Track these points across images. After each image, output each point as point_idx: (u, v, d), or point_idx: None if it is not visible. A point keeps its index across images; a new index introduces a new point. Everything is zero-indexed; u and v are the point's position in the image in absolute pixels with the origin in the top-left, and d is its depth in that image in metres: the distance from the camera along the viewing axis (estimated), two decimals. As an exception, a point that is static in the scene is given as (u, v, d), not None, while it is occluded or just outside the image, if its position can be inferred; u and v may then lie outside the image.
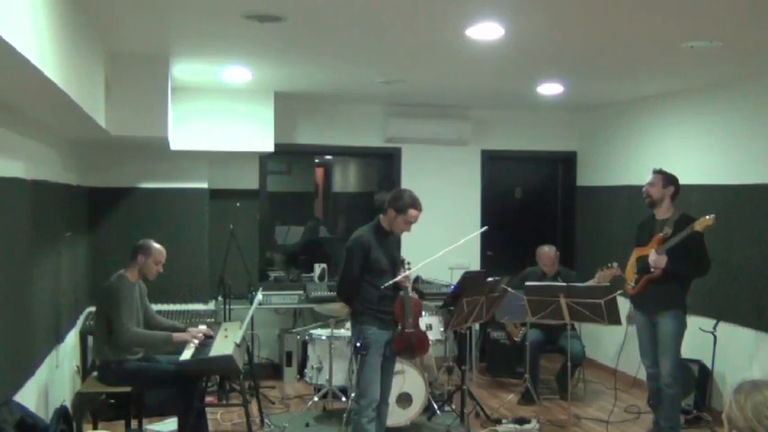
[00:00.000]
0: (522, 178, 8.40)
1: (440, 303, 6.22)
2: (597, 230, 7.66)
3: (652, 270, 4.98)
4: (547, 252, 6.54)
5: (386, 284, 4.52)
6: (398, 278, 4.55)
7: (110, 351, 4.74)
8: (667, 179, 5.13)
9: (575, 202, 8.17)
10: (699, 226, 4.81)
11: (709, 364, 5.73)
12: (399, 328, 4.63)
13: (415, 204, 4.52)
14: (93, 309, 5.54)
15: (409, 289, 4.69)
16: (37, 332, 4.32)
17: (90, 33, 4.00)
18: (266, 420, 5.57)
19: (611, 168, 7.49)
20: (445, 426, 5.58)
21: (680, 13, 3.85)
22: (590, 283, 5.89)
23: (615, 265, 5.68)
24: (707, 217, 4.79)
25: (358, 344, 4.53)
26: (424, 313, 6.03)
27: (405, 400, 5.41)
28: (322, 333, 6.02)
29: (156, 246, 4.95)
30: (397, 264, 4.67)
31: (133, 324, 4.76)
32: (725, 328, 5.65)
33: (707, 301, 5.75)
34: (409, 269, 4.68)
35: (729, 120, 5.86)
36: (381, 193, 4.68)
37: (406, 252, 7.44)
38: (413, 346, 4.66)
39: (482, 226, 7.74)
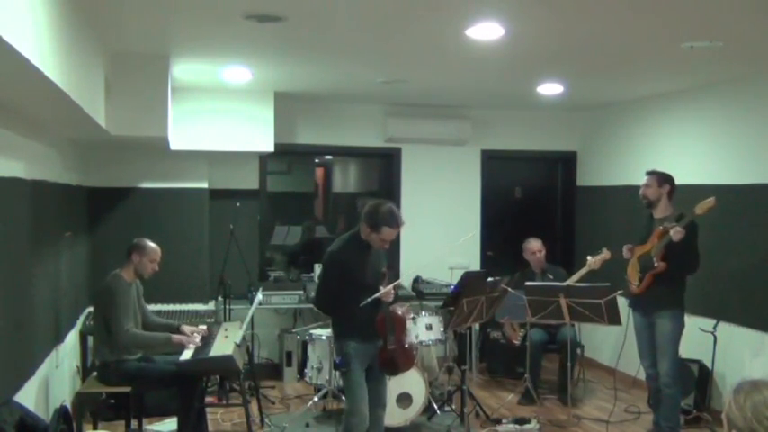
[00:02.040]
0: (522, 178, 8.40)
1: (440, 303, 6.22)
2: (597, 230, 7.66)
3: (656, 265, 4.98)
4: (532, 245, 6.66)
5: (363, 303, 4.14)
6: (378, 295, 4.20)
7: (109, 351, 4.74)
8: (662, 178, 5.14)
9: (575, 202, 8.17)
10: (699, 209, 4.80)
11: (708, 364, 5.73)
12: (382, 344, 4.36)
13: (391, 222, 4.13)
14: (92, 309, 5.54)
15: (396, 293, 4.38)
16: (37, 332, 4.32)
17: (90, 33, 4.00)
18: (266, 420, 5.57)
19: (611, 168, 7.49)
20: (445, 426, 5.57)
21: (680, 13, 3.85)
22: (582, 270, 5.97)
23: (604, 250, 5.81)
24: (706, 200, 4.79)
25: (337, 360, 4.29)
26: (423, 313, 6.03)
27: (405, 400, 5.41)
28: (322, 333, 6.01)
29: (151, 244, 4.95)
30: (379, 276, 4.32)
31: (132, 324, 4.75)
32: (725, 328, 5.64)
33: (706, 301, 5.75)
34: (397, 281, 4.41)
35: (729, 120, 5.86)
36: (365, 199, 4.38)
37: (405, 253, 7.51)
38: (395, 362, 4.40)
39: (482, 226, 7.77)
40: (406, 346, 4.65)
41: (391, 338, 4.34)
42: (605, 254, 5.85)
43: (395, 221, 4.15)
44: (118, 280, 4.81)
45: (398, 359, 4.41)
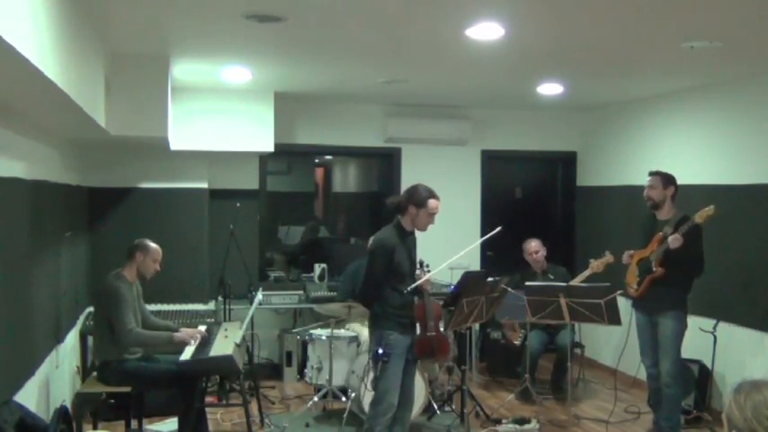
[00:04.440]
0: (522, 178, 8.40)
1: (440, 303, 6.21)
2: (597, 230, 7.66)
3: (654, 270, 4.98)
4: (531, 245, 6.65)
5: (409, 288, 4.42)
6: (421, 281, 4.47)
7: (109, 351, 4.74)
8: (666, 179, 5.14)
9: (575, 202, 8.17)
10: (699, 218, 4.81)
11: (709, 364, 5.73)
12: (420, 331, 4.54)
13: (433, 194, 4.49)
14: (93, 309, 5.54)
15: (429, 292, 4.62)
16: (37, 332, 4.32)
17: (90, 33, 4.00)
18: (266, 420, 5.57)
19: (611, 168, 7.49)
20: (445, 426, 5.57)
21: (680, 13, 3.85)
22: (585, 273, 5.97)
23: (607, 253, 5.79)
24: (706, 208, 4.80)
25: (380, 350, 4.38)
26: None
27: (405, 400, 5.41)
28: (322, 333, 6.02)
29: (153, 244, 4.97)
30: (415, 266, 4.58)
31: (135, 324, 4.75)
32: (725, 328, 5.64)
33: (707, 301, 5.74)
34: (428, 271, 4.59)
35: (729, 120, 5.86)
36: (392, 197, 4.71)
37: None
38: (434, 349, 4.58)
39: (482, 226, 7.76)
40: (443, 332, 4.81)
41: (431, 325, 4.55)
42: (608, 257, 5.82)
43: (433, 193, 4.52)
44: (120, 279, 4.80)
45: (438, 345, 4.62)
